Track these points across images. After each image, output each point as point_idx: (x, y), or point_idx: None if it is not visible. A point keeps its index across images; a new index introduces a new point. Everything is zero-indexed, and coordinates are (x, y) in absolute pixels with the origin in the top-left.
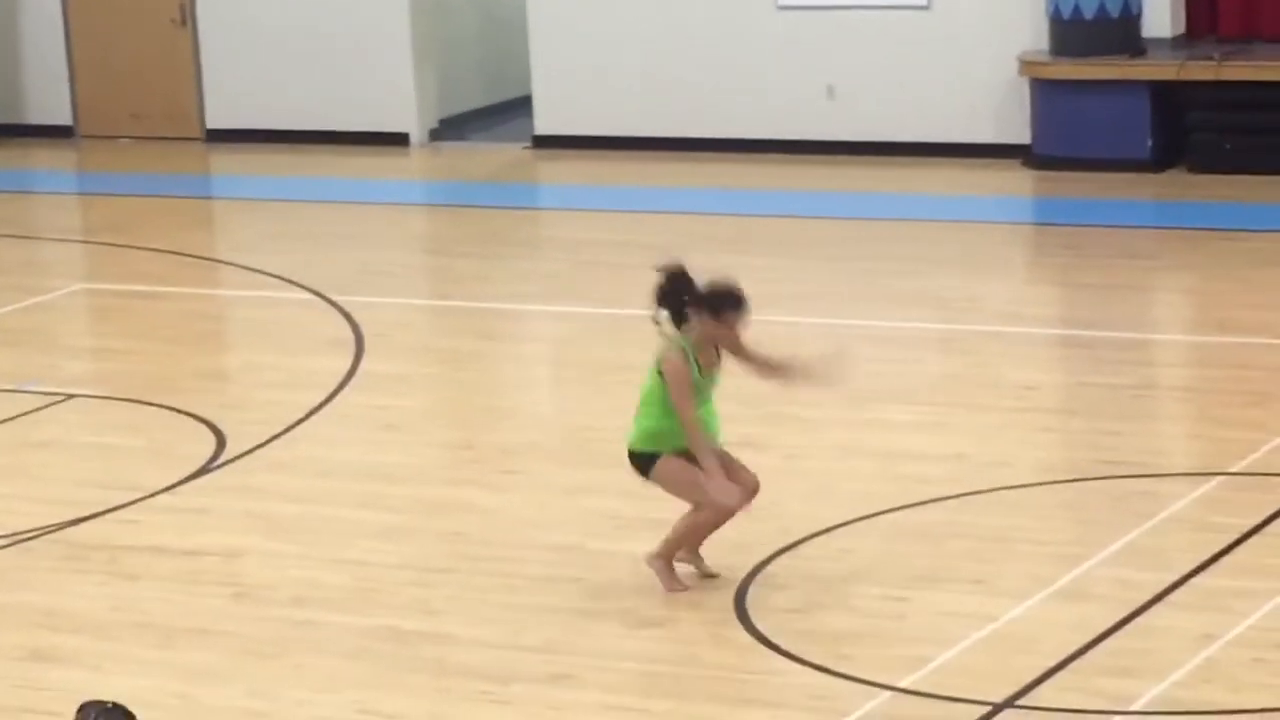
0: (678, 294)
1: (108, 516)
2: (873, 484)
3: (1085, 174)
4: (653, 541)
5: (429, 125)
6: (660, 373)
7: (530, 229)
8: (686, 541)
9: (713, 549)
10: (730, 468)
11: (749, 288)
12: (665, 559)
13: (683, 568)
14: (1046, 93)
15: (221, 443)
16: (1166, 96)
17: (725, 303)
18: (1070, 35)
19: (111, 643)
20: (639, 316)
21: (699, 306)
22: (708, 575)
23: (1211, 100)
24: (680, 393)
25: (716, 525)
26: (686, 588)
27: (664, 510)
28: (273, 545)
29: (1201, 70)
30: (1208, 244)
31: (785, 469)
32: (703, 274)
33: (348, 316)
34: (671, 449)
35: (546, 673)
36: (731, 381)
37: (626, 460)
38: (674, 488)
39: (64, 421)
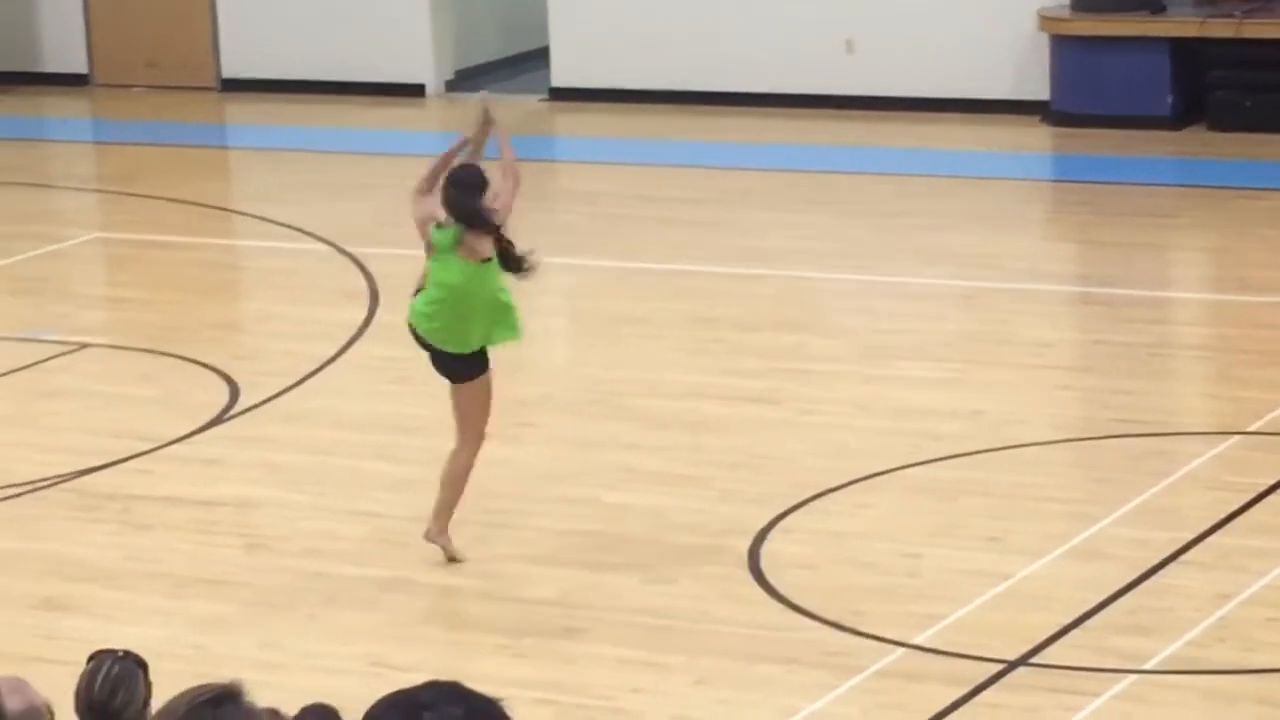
0: None
1: (121, 466)
2: (887, 440)
3: (1105, 131)
4: (667, 495)
5: (445, 76)
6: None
7: (546, 181)
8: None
9: (726, 502)
10: None
11: (768, 242)
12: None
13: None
14: (1066, 49)
15: (235, 393)
16: (1187, 54)
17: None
18: None
19: (124, 592)
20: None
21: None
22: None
23: (1232, 58)
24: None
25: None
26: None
27: (679, 464)
28: (286, 496)
29: (1223, 27)
30: (1227, 202)
31: (799, 423)
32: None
33: (362, 267)
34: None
35: (560, 626)
36: (749, 336)
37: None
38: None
39: (78, 371)
